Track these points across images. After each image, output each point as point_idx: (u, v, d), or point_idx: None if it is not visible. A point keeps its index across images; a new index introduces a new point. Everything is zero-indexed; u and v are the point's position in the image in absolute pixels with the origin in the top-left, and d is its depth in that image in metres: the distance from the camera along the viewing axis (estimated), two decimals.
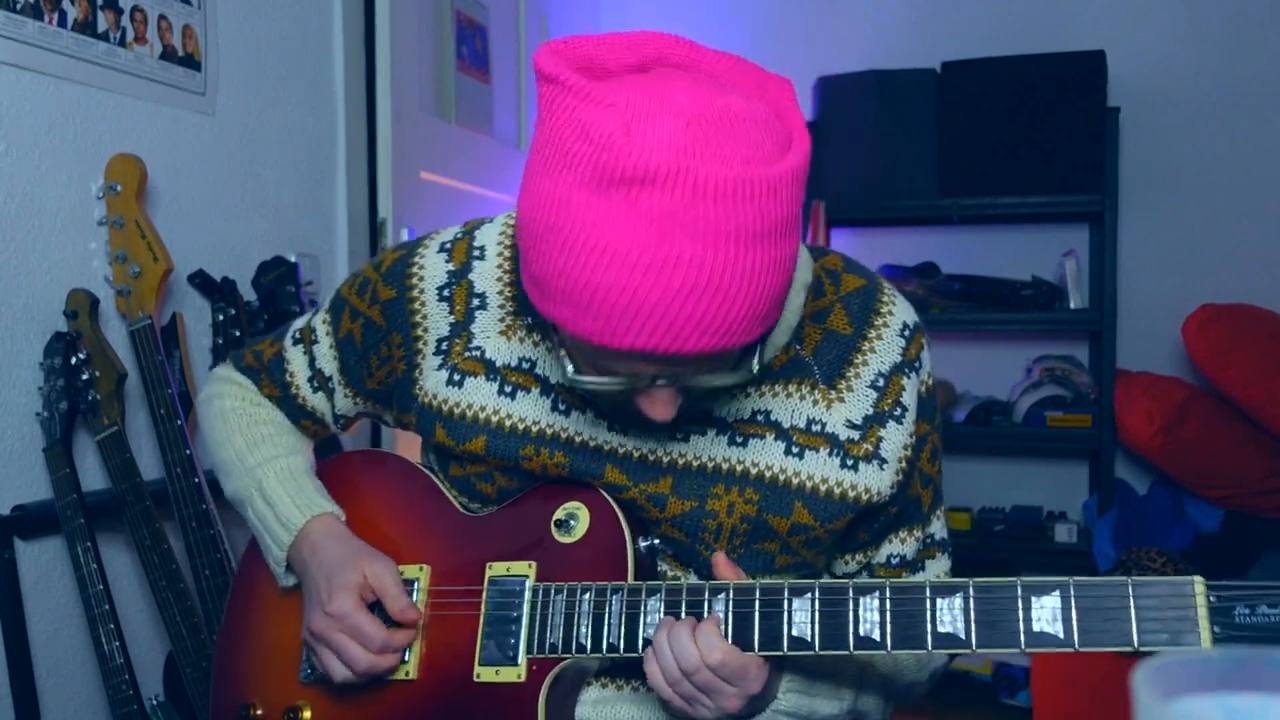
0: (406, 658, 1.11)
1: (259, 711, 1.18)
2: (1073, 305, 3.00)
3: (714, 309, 0.82)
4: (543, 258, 0.86)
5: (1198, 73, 3.06)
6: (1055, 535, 3.00)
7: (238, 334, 1.90)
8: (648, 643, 0.99)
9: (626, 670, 1.10)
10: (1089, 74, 2.85)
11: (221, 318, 1.91)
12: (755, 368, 0.93)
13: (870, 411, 1.06)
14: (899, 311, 1.10)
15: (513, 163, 3.19)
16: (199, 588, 1.65)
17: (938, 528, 1.16)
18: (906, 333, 1.09)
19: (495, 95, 3.13)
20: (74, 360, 1.60)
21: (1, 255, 1.58)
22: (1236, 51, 3.03)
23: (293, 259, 2.07)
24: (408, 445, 1.32)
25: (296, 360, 1.26)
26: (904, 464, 1.07)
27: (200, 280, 1.92)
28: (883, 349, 1.07)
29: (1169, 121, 3.09)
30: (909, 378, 1.07)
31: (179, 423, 1.67)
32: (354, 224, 2.42)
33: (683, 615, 0.98)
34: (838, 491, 1.04)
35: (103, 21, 1.74)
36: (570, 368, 0.94)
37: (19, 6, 1.58)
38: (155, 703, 1.61)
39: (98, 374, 1.62)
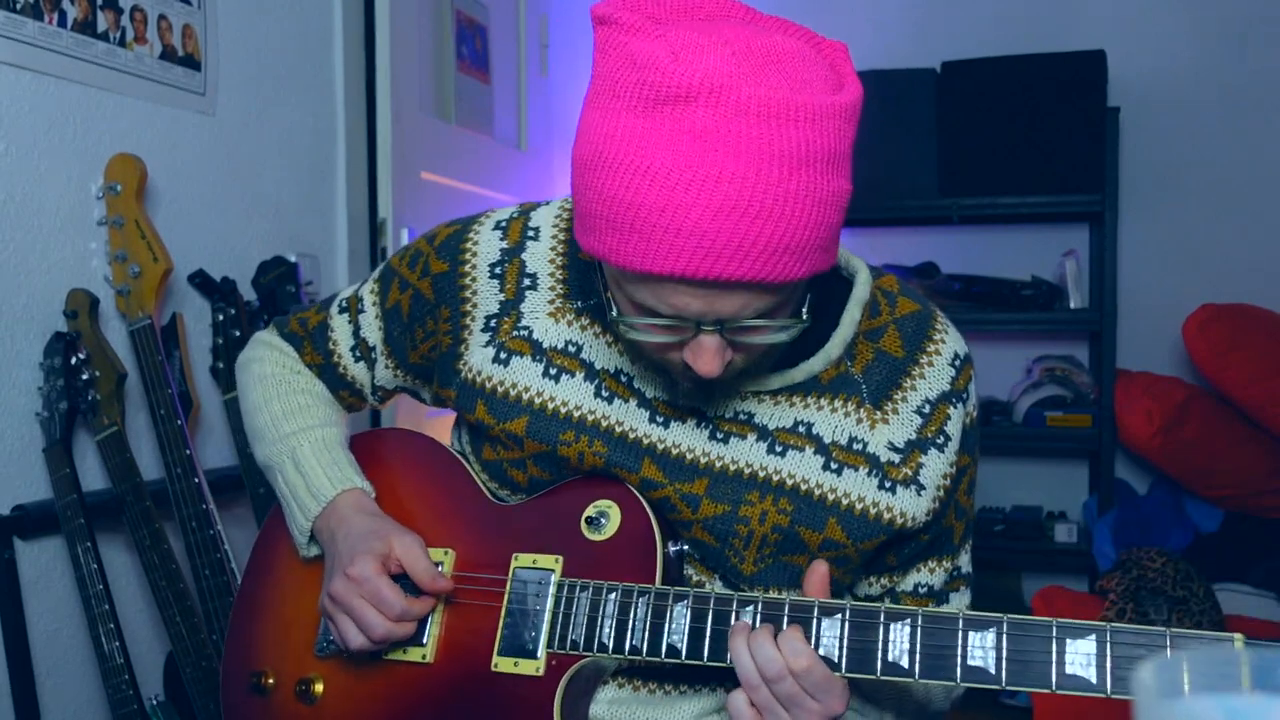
0: (424, 640, 1.10)
1: (270, 680, 1.17)
2: (1073, 305, 2.99)
3: (753, 232, 0.81)
4: (589, 188, 0.86)
5: (1198, 73, 3.06)
6: (1055, 535, 3.00)
7: (238, 334, 1.90)
8: (672, 649, 0.98)
9: (644, 672, 1.09)
10: (1089, 74, 2.84)
11: (221, 318, 1.91)
12: (805, 316, 0.91)
13: (913, 436, 1.04)
14: (951, 341, 1.08)
15: (513, 163, 3.19)
16: (199, 588, 1.65)
17: (965, 561, 1.14)
18: (957, 363, 1.07)
19: (495, 95, 3.13)
20: (74, 360, 1.60)
21: (1, 255, 1.58)
22: (1236, 51, 3.03)
23: (293, 259, 2.07)
24: (436, 430, 1.30)
25: (341, 329, 1.24)
26: (941, 492, 1.05)
27: (200, 280, 1.92)
28: (932, 375, 1.06)
29: (1169, 121, 3.08)
30: (955, 407, 1.06)
31: (179, 423, 1.67)
32: (354, 224, 2.42)
33: (709, 624, 0.97)
34: (873, 512, 1.03)
35: (102, 21, 1.73)
36: (616, 310, 0.92)
37: (19, 6, 1.58)
38: (155, 703, 1.61)
39: (98, 374, 1.62)
